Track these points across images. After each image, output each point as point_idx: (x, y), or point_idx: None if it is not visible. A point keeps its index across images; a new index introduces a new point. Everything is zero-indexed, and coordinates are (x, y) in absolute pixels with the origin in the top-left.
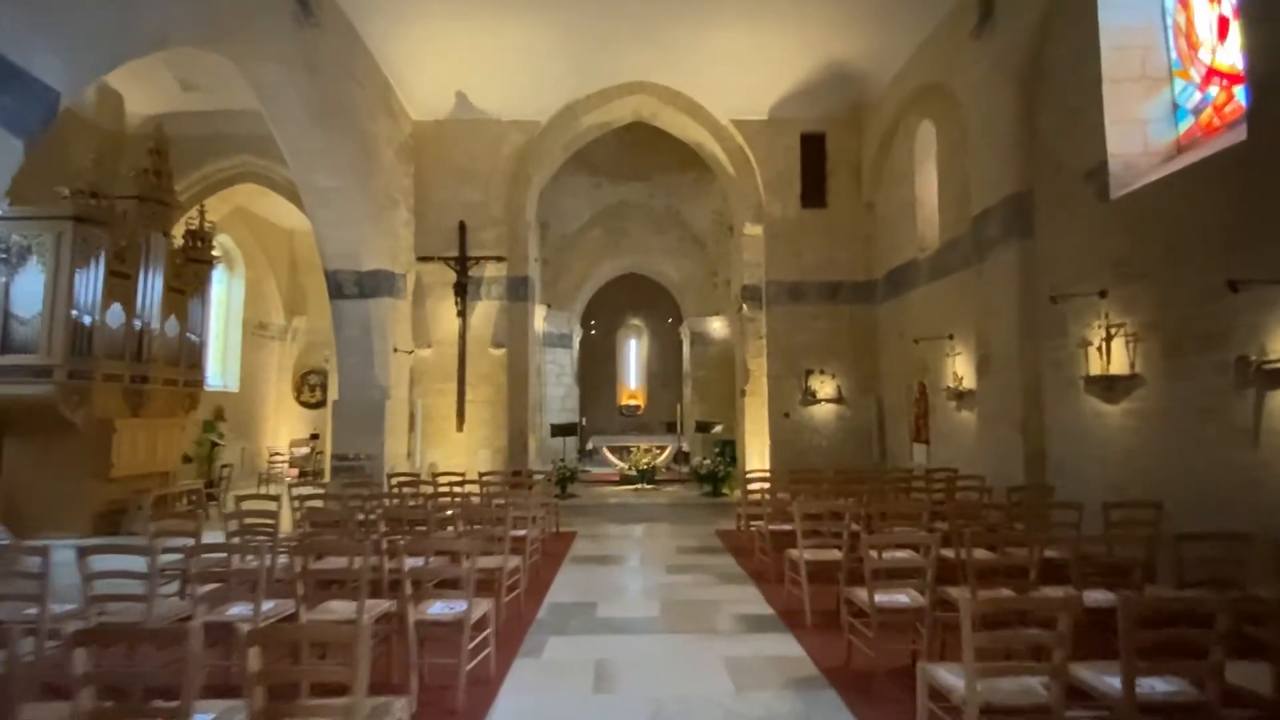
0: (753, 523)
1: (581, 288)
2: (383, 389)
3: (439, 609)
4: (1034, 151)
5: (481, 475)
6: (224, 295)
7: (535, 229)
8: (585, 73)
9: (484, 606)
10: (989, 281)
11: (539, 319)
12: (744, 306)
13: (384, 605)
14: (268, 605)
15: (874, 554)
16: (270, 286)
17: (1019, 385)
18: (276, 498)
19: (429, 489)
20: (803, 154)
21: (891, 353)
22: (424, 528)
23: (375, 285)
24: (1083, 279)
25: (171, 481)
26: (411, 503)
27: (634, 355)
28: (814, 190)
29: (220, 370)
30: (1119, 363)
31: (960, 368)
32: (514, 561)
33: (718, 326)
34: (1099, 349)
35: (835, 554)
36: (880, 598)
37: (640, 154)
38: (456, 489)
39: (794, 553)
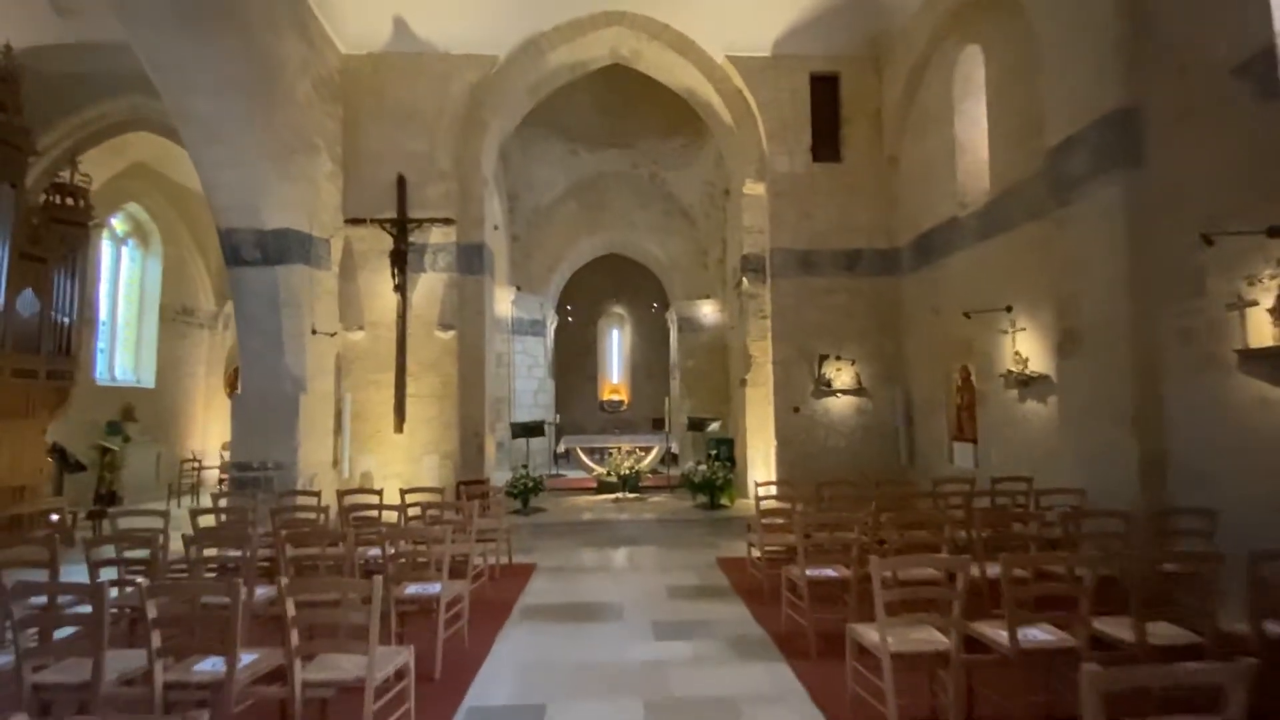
0: (767, 548)
1: (556, 269)
2: (296, 380)
3: None
4: (1144, 50)
5: (404, 494)
6: (136, 275)
7: (497, 191)
8: None
9: None
10: (1077, 230)
11: (506, 301)
12: (744, 280)
13: None
14: None
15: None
16: (197, 266)
17: (1127, 366)
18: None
19: (350, 513)
20: (813, 98)
21: (922, 333)
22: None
23: (283, 249)
24: (1233, 214)
25: (29, 498)
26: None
27: (616, 346)
28: (826, 141)
29: (132, 362)
30: None
31: (1025, 347)
32: (397, 661)
33: (709, 311)
34: (1273, 310)
35: (934, 636)
36: None
37: (621, 117)
38: (368, 513)
39: (869, 634)
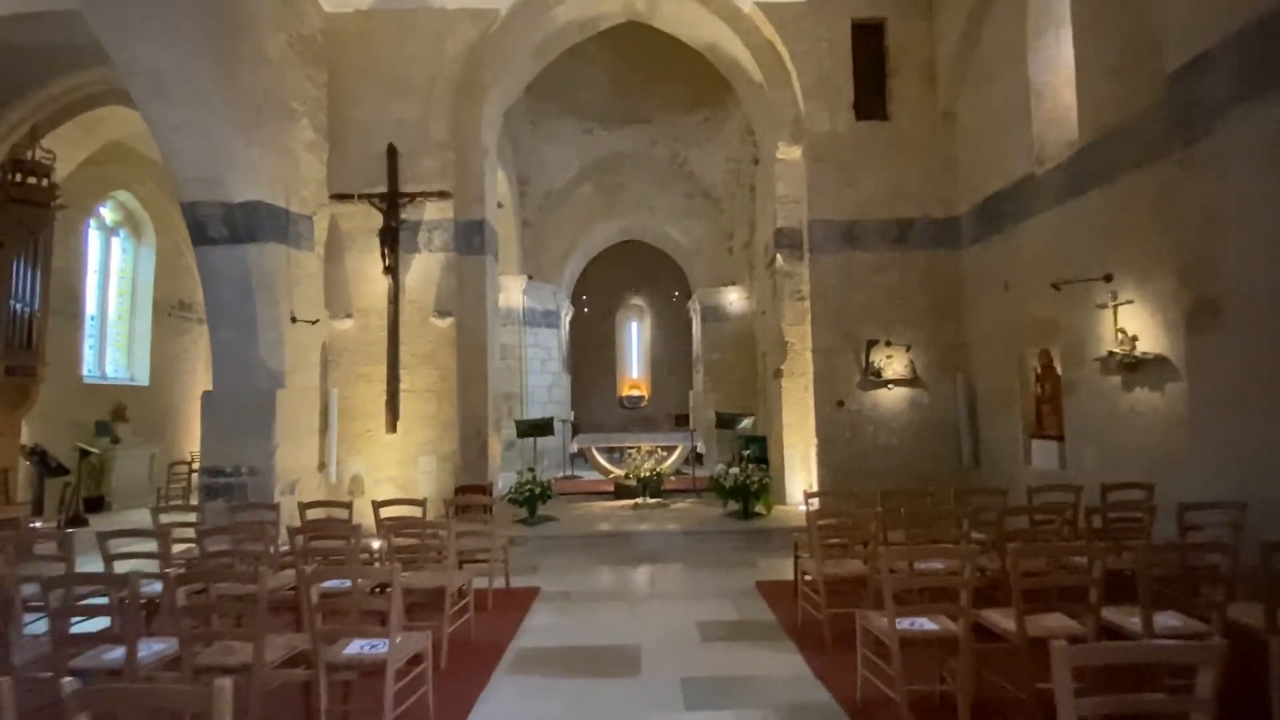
0: (827, 574)
1: (571, 256)
2: (273, 374)
3: None
4: None
5: (378, 506)
6: (129, 267)
7: (505, 172)
8: None
9: None
10: (1216, 170)
11: (517, 291)
12: (778, 257)
13: None
14: None
15: None
16: (194, 258)
17: None
18: None
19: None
20: (854, 49)
21: (989, 313)
22: None
23: (254, 225)
24: None
25: None
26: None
27: (635, 338)
28: (871, 97)
29: (124, 360)
30: None
31: (1132, 323)
32: None
33: (734, 299)
34: None
35: None
36: None
37: (638, 92)
38: (333, 543)
39: None
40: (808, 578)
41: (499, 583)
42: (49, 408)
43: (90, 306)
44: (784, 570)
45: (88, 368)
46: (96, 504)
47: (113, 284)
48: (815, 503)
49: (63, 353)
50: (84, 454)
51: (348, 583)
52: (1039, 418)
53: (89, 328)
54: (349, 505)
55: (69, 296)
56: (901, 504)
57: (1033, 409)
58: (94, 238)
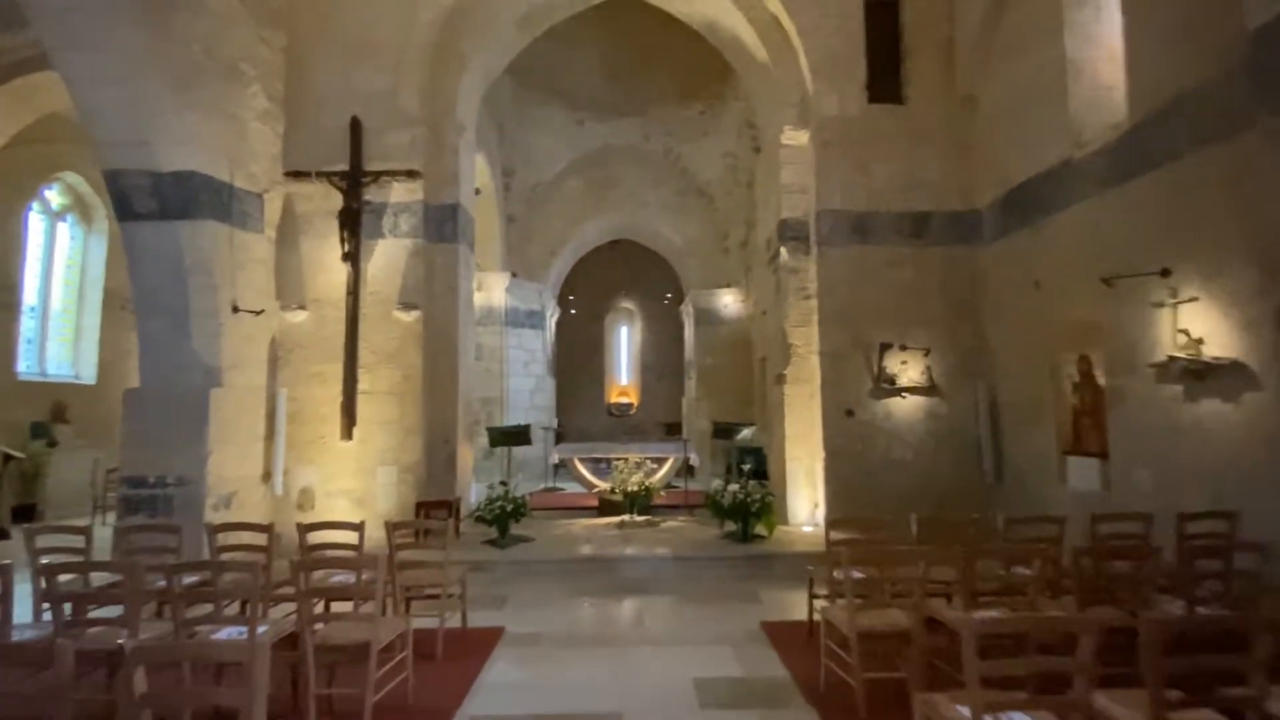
0: (861, 626)
1: (558, 254)
2: (209, 370)
3: None
4: None
5: (304, 531)
6: (76, 256)
7: (489, 162)
8: None
9: None
10: None
11: (499, 289)
12: (782, 251)
13: None
14: None
15: None
16: None
17: None
18: None
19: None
20: (867, 25)
21: (1016, 314)
22: None
23: (188, 199)
24: None
25: None
26: None
27: (624, 343)
28: (885, 78)
29: (70, 356)
30: None
31: (1197, 324)
32: None
33: (729, 301)
34: None
35: None
36: None
37: (631, 81)
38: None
39: None
40: (836, 618)
41: (455, 621)
42: None
43: (30, 297)
44: (792, 606)
45: (25, 363)
46: (28, 513)
47: (57, 273)
48: (838, 533)
49: None
50: (7, 458)
51: (239, 631)
52: (1077, 431)
53: (27, 320)
54: (268, 529)
55: (4, 285)
56: (941, 533)
57: (1068, 422)
58: (36, 222)
